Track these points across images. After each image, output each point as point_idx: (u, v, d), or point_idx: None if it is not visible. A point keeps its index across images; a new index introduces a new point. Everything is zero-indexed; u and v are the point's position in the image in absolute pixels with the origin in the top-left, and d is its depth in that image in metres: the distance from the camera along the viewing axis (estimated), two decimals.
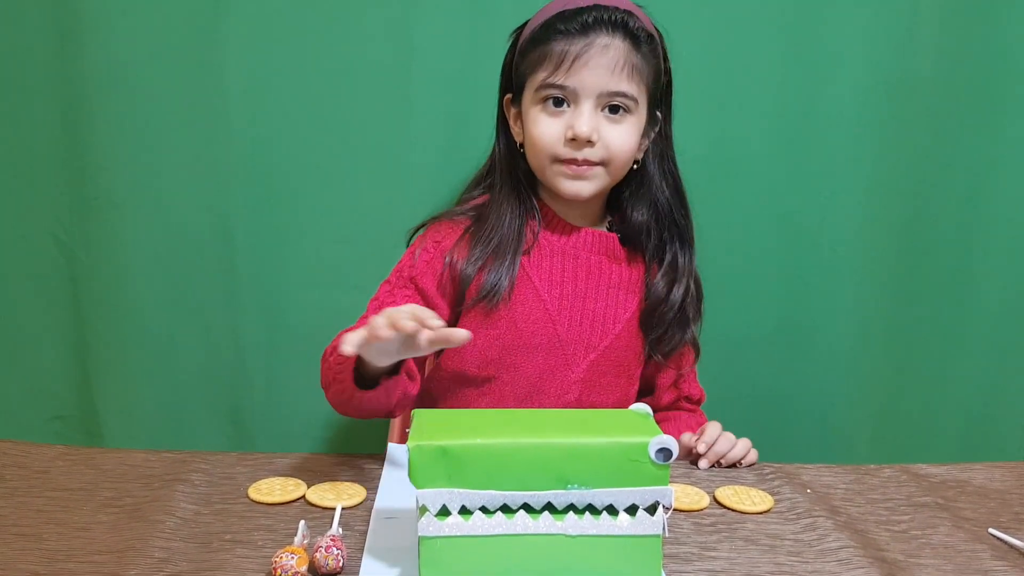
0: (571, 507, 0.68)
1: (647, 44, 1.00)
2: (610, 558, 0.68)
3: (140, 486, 0.86)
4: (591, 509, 0.68)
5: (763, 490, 0.90)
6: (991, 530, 0.83)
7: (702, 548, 0.78)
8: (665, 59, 1.05)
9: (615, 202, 1.09)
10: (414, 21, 1.26)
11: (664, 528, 0.68)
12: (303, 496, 0.84)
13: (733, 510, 0.86)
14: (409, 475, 0.66)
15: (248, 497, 0.84)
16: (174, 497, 0.83)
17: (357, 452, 0.97)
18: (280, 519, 0.80)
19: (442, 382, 1.10)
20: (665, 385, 1.14)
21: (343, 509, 0.81)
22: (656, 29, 1.03)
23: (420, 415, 0.72)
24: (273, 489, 0.85)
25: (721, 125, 1.31)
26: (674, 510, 0.84)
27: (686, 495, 0.88)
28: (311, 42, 1.26)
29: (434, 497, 0.66)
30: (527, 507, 0.67)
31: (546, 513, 0.67)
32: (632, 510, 0.68)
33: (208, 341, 1.34)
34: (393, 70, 1.27)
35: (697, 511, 0.86)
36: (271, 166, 1.29)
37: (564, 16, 0.99)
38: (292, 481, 0.87)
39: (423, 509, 0.66)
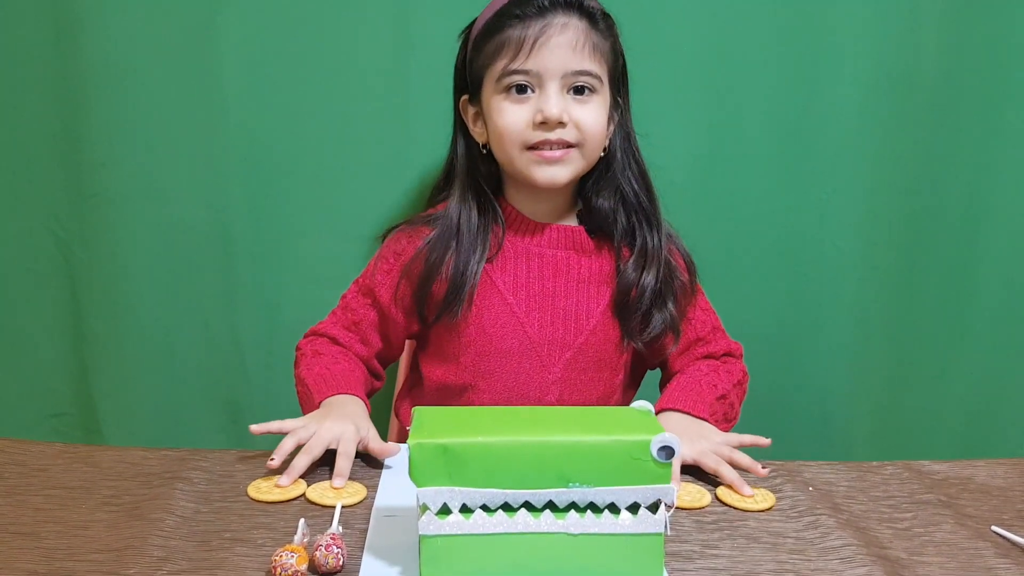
0: (572, 505, 0.67)
1: (603, 22, 1.00)
2: (612, 557, 0.67)
3: (139, 484, 0.85)
4: (593, 507, 0.67)
5: (764, 488, 0.90)
6: (994, 528, 0.83)
7: (704, 546, 0.78)
8: (618, 39, 1.03)
9: (581, 192, 1.07)
10: (413, 18, 1.25)
11: (666, 526, 0.68)
12: (303, 494, 0.84)
13: (735, 508, 0.85)
14: (410, 473, 0.66)
15: (248, 495, 0.83)
16: (173, 495, 0.82)
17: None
18: (280, 517, 0.79)
19: (424, 394, 1.11)
20: (675, 356, 1.11)
21: (343, 507, 0.80)
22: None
23: (421, 412, 0.72)
24: (272, 487, 0.84)
25: (721, 122, 1.31)
26: (676, 508, 0.84)
27: (688, 493, 0.87)
28: (309, 38, 1.25)
29: (435, 495, 0.66)
30: (528, 505, 0.67)
31: (548, 511, 0.67)
32: (634, 508, 0.67)
33: (207, 338, 1.33)
34: (392, 67, 1.27)
35: (699, 509, 0.85)
36: (269, 162, 1.29)
37: (518, 1, 0.98)
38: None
39: (424, 507, 0.66)
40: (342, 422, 0.91)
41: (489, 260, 1.04)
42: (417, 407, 0.73)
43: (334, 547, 0.70)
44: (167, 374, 1.34)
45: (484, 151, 1.05)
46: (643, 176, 1.06)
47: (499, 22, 0.98)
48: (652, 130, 1.18)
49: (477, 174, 1.05)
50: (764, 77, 1.30)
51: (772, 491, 0.89)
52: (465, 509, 0.66)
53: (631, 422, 0.71)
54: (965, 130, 1.33)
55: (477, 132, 1.05)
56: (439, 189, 1.11)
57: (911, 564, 0.76)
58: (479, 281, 1.02)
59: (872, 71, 1.30)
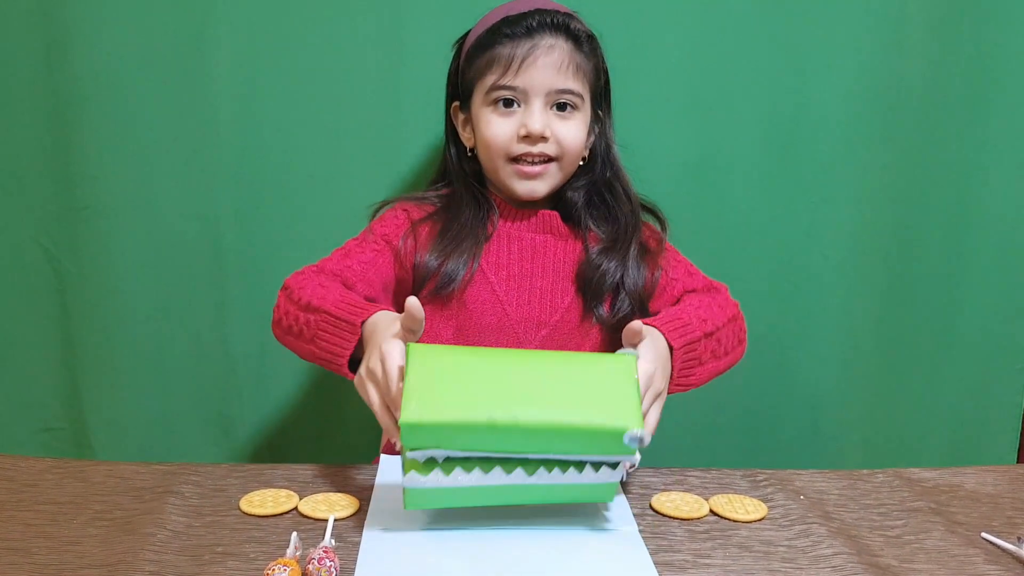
0: (542, 462, 0.78)
1: (587, 44, 1.06)
2: (571, 490, 0.80)
3: (130, 499, 0.85)
4: (560, 464, 0.78)
5: (756, 497, 0.90)
6: (984, 534, 0.84)
7: (696, 556, 0.78)
8: (602, 58, 1.09)
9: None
10: (403, 24, 1.26)
11: (624, 476, 0.79)
12: (295, 508, 0.84)
13: (726, 519, 0.86)
14: (401, 441, 0.75)
15: (239, 509, 0.83)
16: (165, 510, 0.82)
17: (349, 462, 0.97)
18: (272, 531, 0.79)
19: None
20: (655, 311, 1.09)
21: (336, 520, 0.80)
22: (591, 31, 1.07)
23: (415, 352, 0.77)
24: (265, 501, 0.84)
25: (710, 130, 1.31)
26: (668, 517, 0.85)
27: (685, 503, 0.88)
28: (299, 48, 1.26)
29: (423, 455, 0.75)
30: (503, 461, 0.77)
31: (519, 469, 0.77)
32: (597, 466, 0.79)
33: (198, 350, 1.33)
34: (382, 76, 1.27)
35: (697, 519, 0.86)
36: (260, 173, 1.29)
37: (509, 21, 1.04)
38: (284, 492, 0.86)
39: (409, 463, 0.75)
40: (387, 341, 0.82)
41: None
42: (412, 344, 0.78)
43: (327, 560, 0.70)
44: (158, 387, 1.33)
45: (471, 154, 1.11)
46: (618, 176, 1.11)
47: (490, 39, 1.05)
48: (641, 140, 1.19)
49: (469, 174, 1.11)
50: (752, 87, 1.31)
51: (763, 500, 0.89)
52: (448, 460, 0.76)
53: (612, 397, 0.78)
54: (952, 139, 1.34)
55: (466, 137, 1.11)
56: (433, 183, 1.16)
57: (902, 571, 0.76)
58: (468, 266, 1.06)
59: (859, 81, 1.31)
